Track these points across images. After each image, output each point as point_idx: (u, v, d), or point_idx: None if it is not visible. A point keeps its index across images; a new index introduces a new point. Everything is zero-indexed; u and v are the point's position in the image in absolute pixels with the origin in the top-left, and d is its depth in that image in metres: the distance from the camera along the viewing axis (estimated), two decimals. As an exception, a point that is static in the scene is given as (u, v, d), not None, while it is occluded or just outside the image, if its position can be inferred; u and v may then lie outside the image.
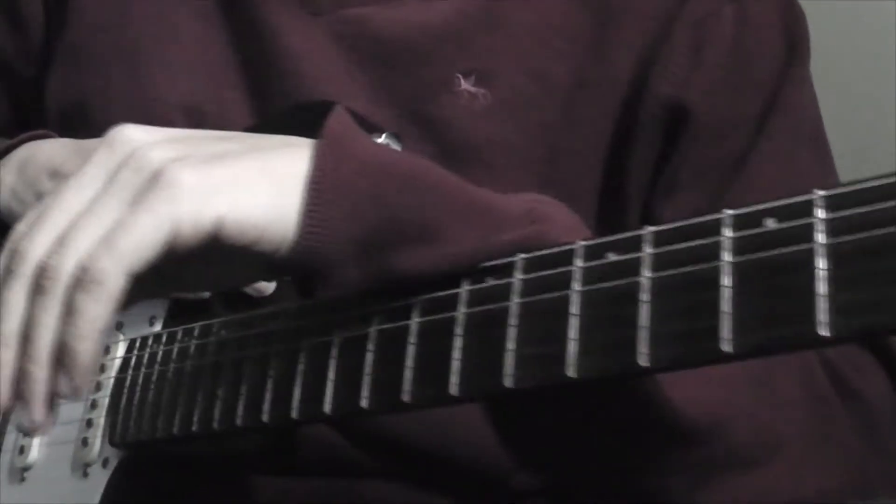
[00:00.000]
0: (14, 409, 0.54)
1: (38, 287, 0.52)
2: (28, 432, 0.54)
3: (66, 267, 0.51)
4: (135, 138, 0.53)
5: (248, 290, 0.70)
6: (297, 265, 0.54)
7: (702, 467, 0.58)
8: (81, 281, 0.51)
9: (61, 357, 0.52)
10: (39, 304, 0.52)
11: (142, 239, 0.50)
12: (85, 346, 0.51)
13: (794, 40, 0.78)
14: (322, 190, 0.53)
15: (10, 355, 0.53)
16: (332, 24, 0.79)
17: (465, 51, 0.77)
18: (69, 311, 0.51)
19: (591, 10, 0.78)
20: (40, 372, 0.52)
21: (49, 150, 0.77)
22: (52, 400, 0.53)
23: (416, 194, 0.54)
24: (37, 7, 0.87)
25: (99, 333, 0.51)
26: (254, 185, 0.52)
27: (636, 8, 0.77)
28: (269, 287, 0.71)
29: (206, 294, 0.71)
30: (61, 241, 0.52)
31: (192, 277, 0.59)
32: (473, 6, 0.78)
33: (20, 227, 0.54)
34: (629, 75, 0.77)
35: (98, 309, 0.51)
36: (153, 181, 0.51)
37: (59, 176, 0.74)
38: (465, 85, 0.77)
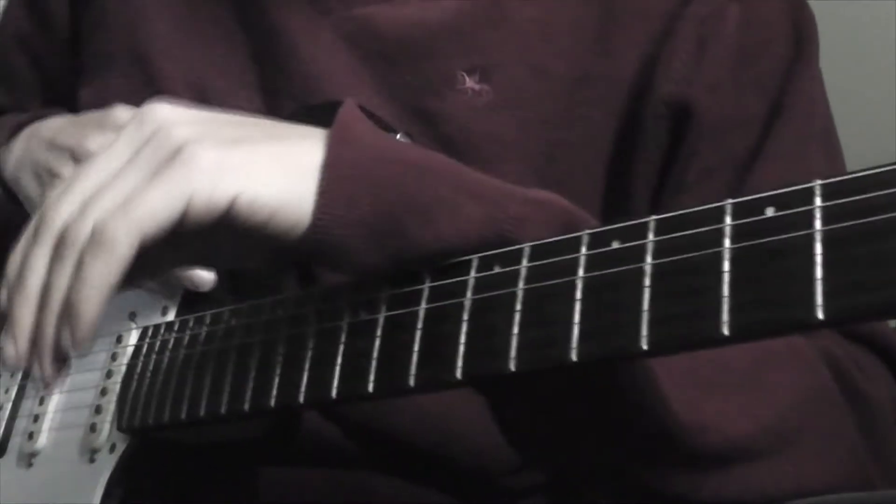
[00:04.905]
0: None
1: (57, 252, 0.55)
2: (43, 386, 0.58)
3: (83, 231, 0.54)
4: (161, 116, 0.56)
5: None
6: (310, 249, 0.55)
7: (700, 460, 0.58)
8: (93, 243, 0.53)
9: (66, 314, 0.55)
10: (56, 267, 0.55)
11: (154, 207, 0.53)
12: (87, 307, 0.54)
13: (801, 38, 0.78)
14: (336, 174, 0.55)
15: (29, 310, 0.56)
16: (338, 24, 0.81)
17: (468, 47, 0.78)
18: (78, 271, 0.54)
19: (596, 7, 0.78)
20: (49, 327, 0.56)
21: (50, 123, 0.82)
22: (62, 357, 0.57)
23: (427, 176, 0.56)
24: (61, 2, 0.89)
25: (103, 296, 0.54)
26: (267, 169, 0.55)
27: (641, 5, 0.78)
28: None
29: (213, 278, 0.73)
30: (83, 208, 0.54)
31: (202, 254, 0.61)
32: (477, 2, 0.79)
33: (51, 195, 0.57)
34: (633, 73, 0.77)
35: (104, 271, 0.53)
36: (173, 157, 0.54)
37: (55, 147, 0.79)
38: (468, 83, 0.78)
